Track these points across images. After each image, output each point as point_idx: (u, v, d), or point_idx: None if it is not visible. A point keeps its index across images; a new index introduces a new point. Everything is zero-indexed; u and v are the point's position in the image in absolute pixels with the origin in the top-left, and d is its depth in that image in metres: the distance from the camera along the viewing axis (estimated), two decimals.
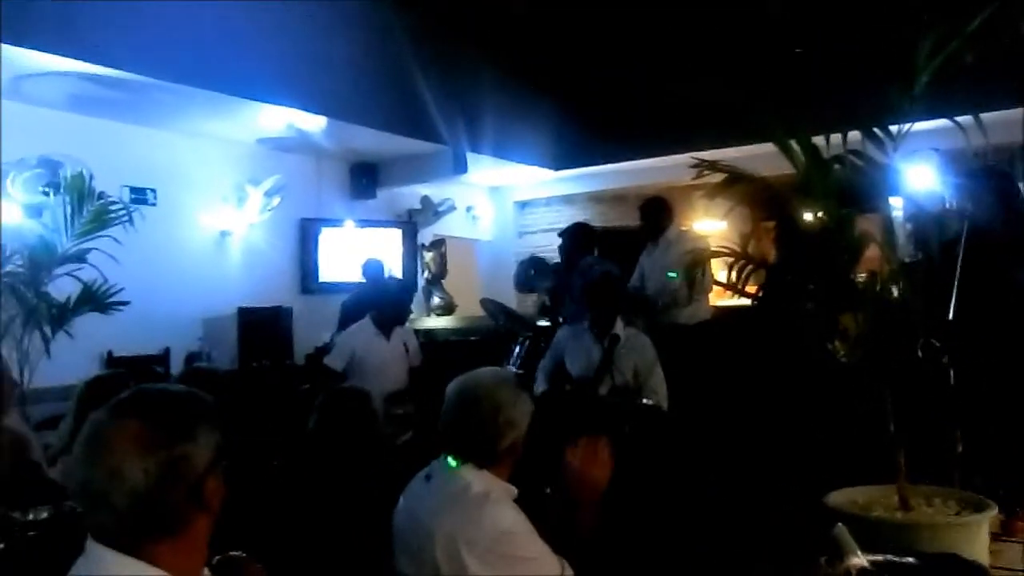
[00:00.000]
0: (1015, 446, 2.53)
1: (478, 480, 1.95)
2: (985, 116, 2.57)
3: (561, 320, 4.93)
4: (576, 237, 5.07)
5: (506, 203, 10.01)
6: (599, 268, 4.52)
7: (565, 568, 1.88)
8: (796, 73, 5.53)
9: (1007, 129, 4.56)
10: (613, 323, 4.01)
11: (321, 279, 7.81)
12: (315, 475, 2.53)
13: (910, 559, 1.50)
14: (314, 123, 6.60)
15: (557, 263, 5.23)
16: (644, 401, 3.76)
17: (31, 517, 2.29)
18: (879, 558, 1.46)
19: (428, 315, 8.75)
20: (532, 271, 4.93)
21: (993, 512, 2.09)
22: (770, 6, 5.32)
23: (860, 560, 1.38)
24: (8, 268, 4.78)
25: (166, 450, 1.19)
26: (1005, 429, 2.56)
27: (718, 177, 2.62)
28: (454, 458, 2.00)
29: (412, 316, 8.23)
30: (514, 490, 2.01)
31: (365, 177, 8.26)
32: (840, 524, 1.46)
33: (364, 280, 6.47)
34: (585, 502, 2.00)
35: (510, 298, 7.34)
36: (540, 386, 4.11)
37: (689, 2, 6.56)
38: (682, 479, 2.80)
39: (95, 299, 5.04)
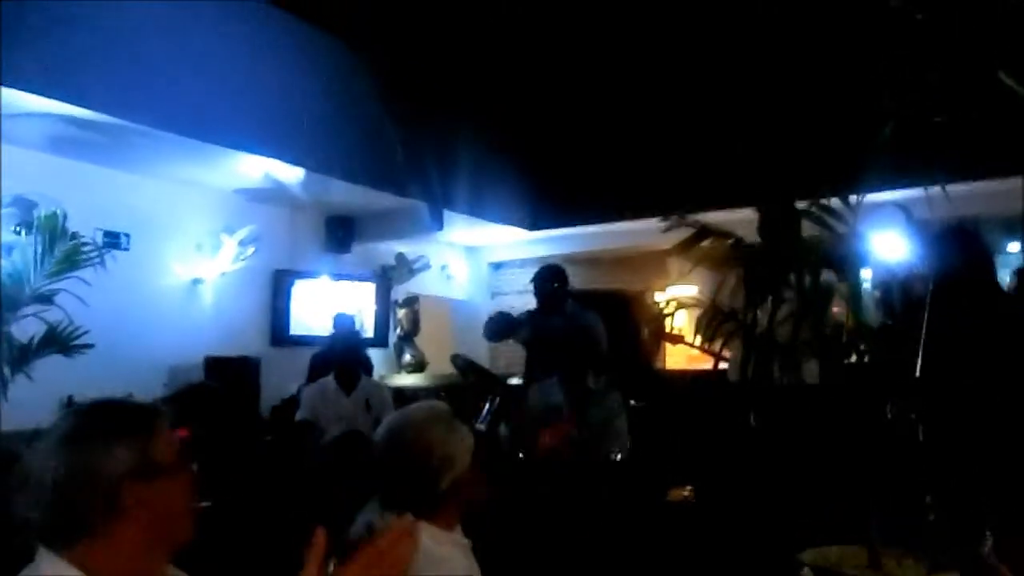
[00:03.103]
0: (982, 508, 2.54)
1: (429, 539, 1.67)
2: (950, 189, 2.67)
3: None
4: (554, 278, 4.81)
5: (481, 264, 10.07)
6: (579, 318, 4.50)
7: None
8: (767, 141, 5.69)
9: (971, 201, 4.74)
10: (584, 378, 3.99)
11: (293, 331, 7.74)
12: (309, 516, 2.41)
13: None
14: (291, 174, 6.64)
15: (530, 311, 5.05)
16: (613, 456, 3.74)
17: None
18: None
19: (399, 372, 8.68)
20: (504, 321, 4.79)
21: None
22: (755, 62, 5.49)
23: None
24: None
25: (76, 454, 1.24)
26: (971, 490, 2.57)
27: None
28: (390, 509, 1.74)
29: (382, 373, 8.21)
30: (466, 542, 1.81)
31: (341, 231, 8.27)
32: (807, 568, 1.45)
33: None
34: None
35: (483, 357, 7.31)
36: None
37: (664, 67, 6.77)
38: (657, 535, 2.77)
39: (59, 341, 4.93)
